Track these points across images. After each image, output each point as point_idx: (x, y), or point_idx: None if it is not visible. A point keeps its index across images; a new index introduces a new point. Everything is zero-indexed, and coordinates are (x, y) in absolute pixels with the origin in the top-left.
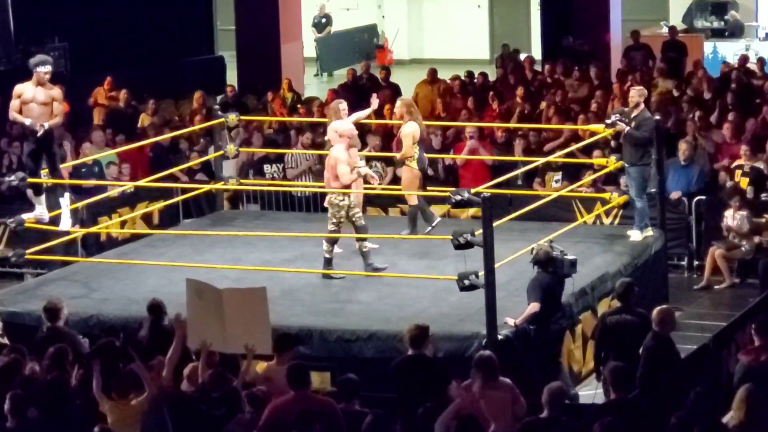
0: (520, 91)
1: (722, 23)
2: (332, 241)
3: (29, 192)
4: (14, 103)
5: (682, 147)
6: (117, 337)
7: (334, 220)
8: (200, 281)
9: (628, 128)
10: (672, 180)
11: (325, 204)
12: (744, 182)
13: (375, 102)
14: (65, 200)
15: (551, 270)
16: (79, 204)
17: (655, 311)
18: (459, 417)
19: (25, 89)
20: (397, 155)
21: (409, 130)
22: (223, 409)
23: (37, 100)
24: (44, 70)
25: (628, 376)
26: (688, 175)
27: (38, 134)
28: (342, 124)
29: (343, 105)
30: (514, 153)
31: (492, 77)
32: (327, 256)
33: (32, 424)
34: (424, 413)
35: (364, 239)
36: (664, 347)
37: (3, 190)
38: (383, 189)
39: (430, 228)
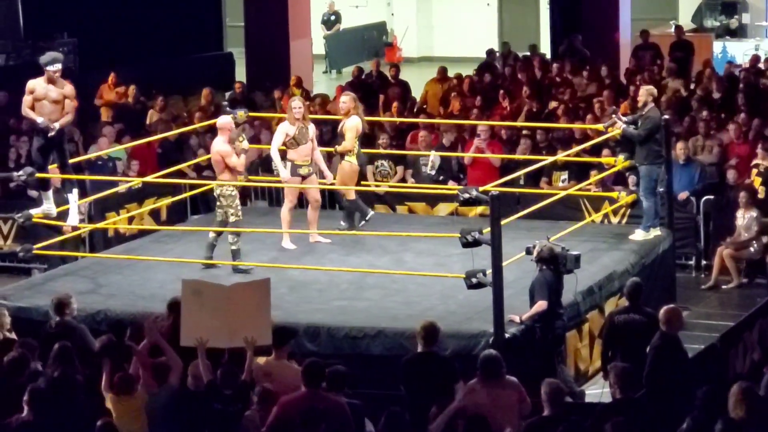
0: (525, 90)
1: (721, 23)
2: (238, 233)
3: (33, 191)
4: (27, 99)
5: (679, 146)
6: (123, 333)
7: (232, 210)
8: (199, 280)
9: (624, 126)
10: (674, 179)
11: (216, 195)
12: (757, 181)
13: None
14: (73, 196)
15: (553, 267)
16: (86, 199)
17: (661, 311)
18: (467, 417)
19: (37, 86)
20: (338, 148)
21: (353, 124)
22: (239, 405)
23: (49, 97)
24: (54, 69)
25: (634, 376)
26: (689, 174)
27: (49, 134)
28: (224, 118)
29: (296, 103)
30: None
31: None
32: (234, 248)
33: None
34: (438, 411)
35: (238, 237)
36: (671, 347)
37: (11, 186)
38: (390, 186)
39: (363, 222)
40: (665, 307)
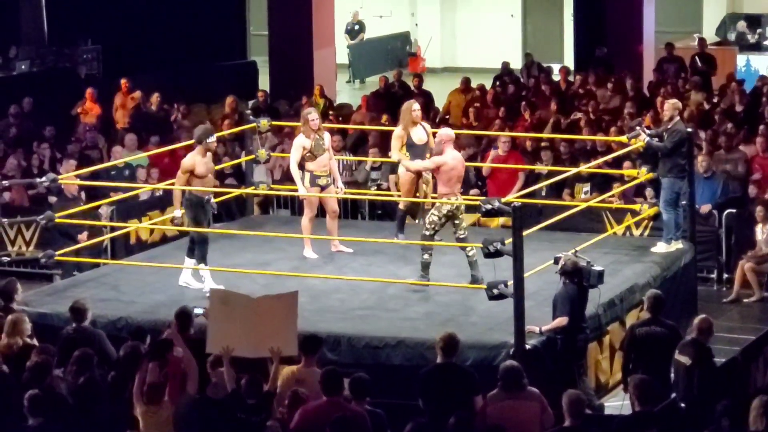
0: (553, 105)
1: (743, 36)
2: (431, 246)
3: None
4: (183, 178)
5: (701, 159)
6: (144, 340)
7: (432, 225)
8: (227, 290)
9: (647, 139)
10: (696, 192)
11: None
12: None
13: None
14: (190, 262)
15: (577, 281)
16: (103, 201)
17: (697, 319)
18: (487, 427)
19: (196, 163)
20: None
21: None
22: (262, 415)
23: (210, 170)
24: (213, 140)
25: (653, 389)
26: (711, 187)
27: (212, 208)
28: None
29: (313, 115)
30: (542, 164)
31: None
32: (424, 259)
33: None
34: (456, 423)
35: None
36: (707, 358)
37: (33, 192)
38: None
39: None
40: (701, 316)
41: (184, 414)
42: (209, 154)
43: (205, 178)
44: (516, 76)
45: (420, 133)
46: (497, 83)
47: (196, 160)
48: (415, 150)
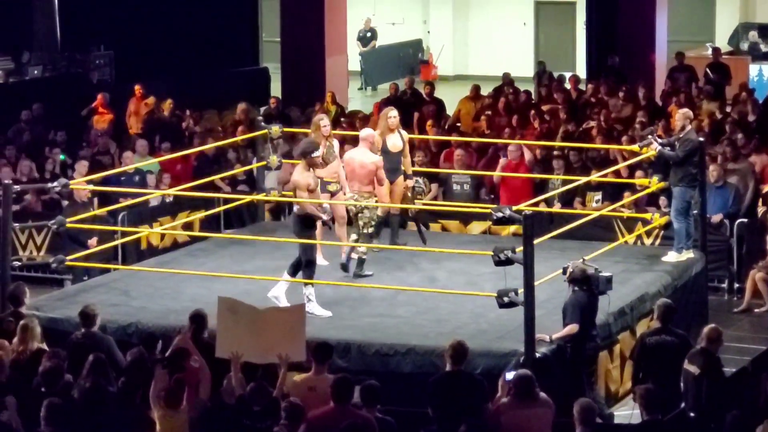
0: (562, 114)
1: (755, 45)
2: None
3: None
4: (304, 196)
5: (712, 168)
6: (154, 346)
7: (374, 222)
8: (235, 300)
9: (659, 147)
10: (708, 202)
11: (357, 208)
12: None
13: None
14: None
15: (586, 288)
16: (115, 207)
17: (706, 329)
18: None
19: (310, 180)
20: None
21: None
22: (268, 422)
23: (318, 183)
24: (318, 154)
25: (658, 398)
26: (723, 196)
27: (327, 221)
28: (367, 130)
29: (325, 121)
30: (552, 173)
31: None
32: (364, 257)
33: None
34: (467, 431)
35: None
36: (716, 368)
37: (47, 197)
38: (423, 204)
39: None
40: (709, 325)
41: (196, 419)
42: (319, 168)
43: (314, 192)
44: (517, 87)
45: (395, 140)
46: (509, 90)
47: (305, 175)
48: (390, 157)
